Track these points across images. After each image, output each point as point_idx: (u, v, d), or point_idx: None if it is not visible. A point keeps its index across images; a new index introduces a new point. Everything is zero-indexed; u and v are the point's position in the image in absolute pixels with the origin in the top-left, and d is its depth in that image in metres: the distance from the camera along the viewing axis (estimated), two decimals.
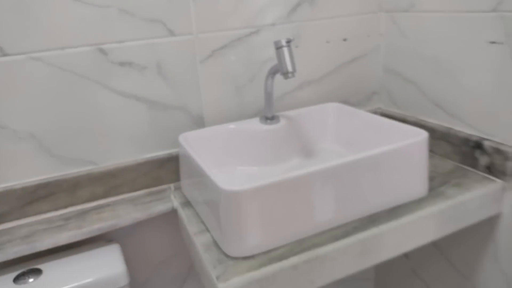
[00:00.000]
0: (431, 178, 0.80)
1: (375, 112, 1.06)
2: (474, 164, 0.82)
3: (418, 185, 0.73)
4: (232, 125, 0.85)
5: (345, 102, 1.03)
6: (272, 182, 0.60)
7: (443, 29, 0.84)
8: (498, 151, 0.76)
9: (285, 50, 0.72)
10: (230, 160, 0.84)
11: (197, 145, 0.79)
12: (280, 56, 0.73)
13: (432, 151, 0.91)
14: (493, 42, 0.74)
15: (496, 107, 0.77)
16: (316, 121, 0.93)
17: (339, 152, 0.89)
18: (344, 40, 0.97)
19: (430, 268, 1.03)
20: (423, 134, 0.71)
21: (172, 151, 0.86)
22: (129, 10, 0.76)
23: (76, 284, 0.66)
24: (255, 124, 0.87)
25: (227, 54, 0.86)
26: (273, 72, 0.79)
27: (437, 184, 0.78)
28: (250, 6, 0.85)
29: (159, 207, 0.78)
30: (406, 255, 1.11)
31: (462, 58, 0.81)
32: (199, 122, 0.88)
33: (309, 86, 0.97)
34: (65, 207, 0.78)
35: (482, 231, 0.85)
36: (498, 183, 0.77)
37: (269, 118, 0.86)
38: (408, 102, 0.98)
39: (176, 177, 0.86)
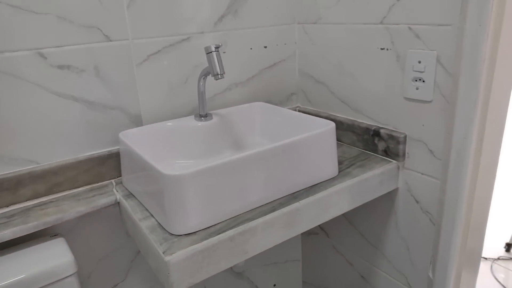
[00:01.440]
0: (340, 162, 0.96)
1: (294, 110, 1.21)
2: (374, 149, 0.99)
3: (329, 167, 0.87)
4: (169, 123, 0.93)
5: (269, 101, 1.17)
6: (209, 166, 0.69)
7: (344, 38, 1.01)
8: (391, 137, 0.94)
9: (215, 54, 0.83)
10: (169, 155, 0.92)
11: (137, 142, 0.86)
12: (210, 60, 0.83)
13: (341, 140, 1.08)
14: (382, 49, 0.92)
15: (388, 101, 0.95)
16: (244, 118, 1.05)
17: (266, 144, 1.01)
18: (265, 47, 1.11)
19: (347, 243, 1.20)
20: (331, 124, 0.86)
21: (112, 148, 0.92)
22: (67, 17, 0.81)
23: (24, 275, 0.69)
24: (190, 121, 0.96)
25: (162, 58, 0.95)
26: (204, 74, 0.89)
27: (345, 166, 0.93)
28: (180, 15, 0.95)
29: (102, 200, 0.83)
30: (327, 234, 1.27)
31: (360, 62, 0.99)
32: (137, 121, 0.95)
33: (237, 87, 1.09)
34: (8, 205, 0.80)
35: (384, 205, 1.03)
36: (393, 163, 0.95)
37: (203, 115, 0.96)
38: (320, 100, 1.14)
39: (117, 173, 0.92)
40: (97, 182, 0.90)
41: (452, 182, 0.84)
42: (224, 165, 0.71)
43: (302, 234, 1.36)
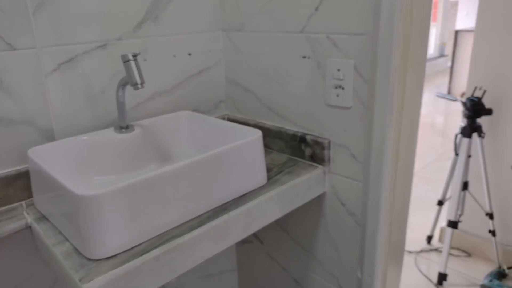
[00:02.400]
0: (269, 169, 0.96)
1: (223, 118, 1.19)
2: (301, 155, 1.01)
3: (258, 176, 0.87)
4: (85, 136, 0.87)
5: (196, 110, 1.14)
6: (128, 184, 0.65)
7: (268, 46, 1.01)
8: (317, 143, 0.96)
9: (132, 63, 0.78)
10: (87, 171, 0.85)
11: (49, 159, 0.79)
12: (128, 69, 0.79)
13: (269, 147, 1.08)
14: (304, 57, 0.94)
15: (312, 108, 0.97)
16: (170, 128, 1.01)
17: (194, 155, 0.98)
18: (189, 54, 1.08)
19: (281, 249, 1.21)
20: (258, 133, 0.85)
21: (21, 167, 0.83)
22: None
23: None
24: (109, 134, 0.90)
25: (75, 67, 0.88)
26: (123, 84, 0.84)
27: (274, 174, 0.94)
28: (95, 21, 0.89)
29: (10, 226, 0.74)
30: (261, 241, 1.26)
31: (284, 70, 1.00)
32: (49, 136, 0.86)
33: (161, 96, 1.05)
34: None
35: (314, 209, 1.05)
36: (319, 168, 0.97)
37: (124, 127, 0.90)
38: (248, 108, 1.14)
39: (28, 194, 0.83)
40: (4, 205, 0.81)
41: (373, 184, 0.88)
42: (145, 181, 0.67)
43: (236, 243, 1.35)
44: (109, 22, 0.91)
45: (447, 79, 5.22)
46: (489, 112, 1.57)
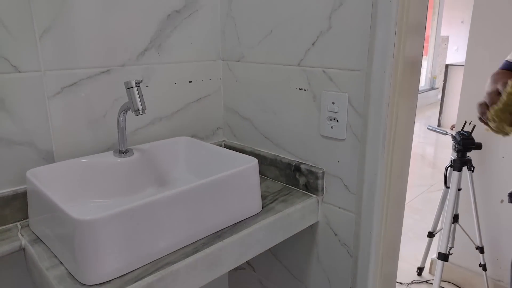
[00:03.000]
0: (264, 197, 0.97)
1: (220, 144, 1.21)
2: (296, 183, 1.03)
3: (253, 203, 0.88)
4: (84, 159, 0.88)
5: (195, 136, 1.16)
6: (124, 209, 0.66)
7: (266, 76, 1.05)
8: (311, 172, 0.98)
9: (135, 90, 0.81)
10: (84, 194, 0.86)
11: (47, 181, 0.79)
12: (130, 96, 0.81)
13: (265, 175, 1.10)
14: (300, 89, 0.97)
15: (306, 138, 0.99)
16: (168, 153, 1.02)
17: (191, 180, 0.99)
18: (190, 82, 1.11)
19: (273, 277, 1.20)
20: (254, 161, 0.87)
21: (18, 188, 0.83)
22: None
23: None
24: (108, 157, 0.91)
25: (78, 91, 0.90)
26: (124, 109, 0.86)
27: (268, 201, 0.95)
28: (100, 47, 0.92)
29: (4, 248, 0.74)
30: (253, 269, 1.26)
31: (281, 100, 1.03)
32: (49, 158, 0.88)
33: (161, 122, 1.07)
34: None
35: (307, 238, 1.06)
36: (313, 197, 0.99)
37: (123, 151, 0.92)
38: (245, 135, 1.16)
39: (23, 215, 0.83)
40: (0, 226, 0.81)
41: (366, 215, 0.90)
42: (141, 207, 0.68)
43: None
44: (114, 49, 0.94)
45: (437, 111, 5.34)
46: (479, 146, 1.61)
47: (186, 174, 1.02)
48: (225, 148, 1.00)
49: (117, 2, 0.92)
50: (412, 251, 2.20)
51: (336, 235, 0.98)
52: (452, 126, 5.02)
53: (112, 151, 0.93)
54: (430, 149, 4.52)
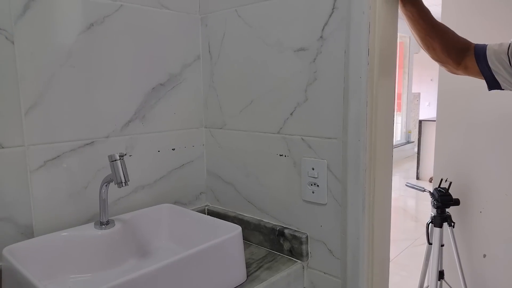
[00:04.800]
0: (249, 265, 0.96)
1: (203, 209, 1.21)
2: (280, 249, 1.02)
3: (238, 273, 0.87)
4: (64, 233, 0.86)
5: (178, 202, 1.16)
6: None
7: (248, 143, 1.08)
8: (295, 237, 0.99)
9: (119, 163, 0.82)
10: (63, 269, 0.83)
11: (25, 257, 0.77)
12: (114, 169, 0.82)
13: (249, 240, 1.10)
14: (281, 155, 1.01)
15: (289, 203, 1.01)
16: (150, 222, 1.02)
17: (173, 249, 0.98)
18: (173, 149, 1.13)
19: None
20: (238, 229, 0.88)
21: None
22: None
23: None
24: (89, 230, 0.90)
25: (61, 163, 0.91)
26: (107, 181, 0.87)
27: (253, 269, 0.94)
28: (84, 120, 0.94)
29: None
30: None
31: (262, 166, 1.06)
32: (28, 232, 0.86)
33: (143, 189, 1.07)
34: None
35: None
36: (298, 263, 0.98)
37: (104, 223, 0.91)
38: (228, 200, 1.17)
39: None
40: None
41: (351, 281, 0.89)
42: (118, 287, 0.66)
43: None
44: (99, 122, 0.97)
45: (414, 163, 5.49)
46: (456, 202, 1.65)
47: (168, 242, 1.01)
48: (208, 216, 1.00)
49: (102, 77, 0.96)
50: None
51: None
52: (430, 178, 5.14)
53: (93, 223, 0.92)
54: (411, 202, 4.58)
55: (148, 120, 1.06)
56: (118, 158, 0.82)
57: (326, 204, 0.93)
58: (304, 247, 0.97)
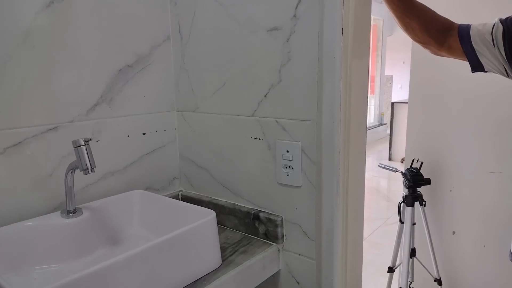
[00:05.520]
0: (224, 249, 0.95)
1: (177, 195, 1.19)
2: (255, 232, 1.02)
3: (212, 258, 0.86)
4: (28, 222, 0.82)
5: (150, 188, 1.13)
6: (68, 281, 0.60)
7: (221, 126, 1.06)
8: (270, 220, 0.98)
9: (84, 149, 0.78)
10: (29, 260, 0.79)
11: None
12: (79, 155, 0.78)
13: (224, 224, 1.08)
14: (255, 138, 0.99)
15: (264, 186, 1.00)
16: (121, 209, 0.98)
17: (146, 237, 0.95)
18: (144, 134, 1.09)
19: None
20: (211, 214, 0.86)
21: None
22: None
23: None
24: (55, 219, 0.86)
25: (23, 150, 0.86)
26: (72, 168, 0.83)
27: (228, 254, 0.93)
28: (46, 104, 0.89)
29: None
30: None
31: (237, 149, 1.04)
32: None
33: (113, 176, 1.03)
34: None
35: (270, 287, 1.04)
36: (273, 246, 0.98)
37: (71, 211, 0.87)
38: (203, 185, 1.15)
39: None
40: None
41: (326, 261, 0.90)
42: (87, 276, 0.63)
43: None
44: (62, 106, 0.91)
45: (387, 145, 5.61)
46: (428, 182, 1.69)
47: (141, 230, 0.98)
48: (181, 201, 0.98)
49: (64, 58, 0.91)
50: (375, 287, 2.21)
51: (298, 283, 0.97)
52: (402, 159, 5.27)
53: (60, 211, 0.88)
54: (384, 182, 4.69)
55: (116, 104, 1.02)
56: (82, 143, 0.78)
57: (300, 186, 0.92)
58: (279, 230, 0.97)
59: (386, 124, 7.13)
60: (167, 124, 1.15)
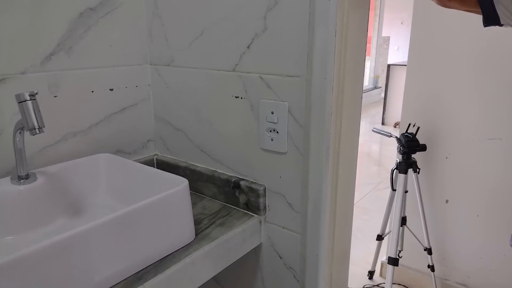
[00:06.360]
0: (199, 221, 0.85)
1: (151, 159, 1.08)
2: (236, 202, 0.92)
3: (184, 232, 0.76)
4: None
5: (121, 151, 1.01)
6: (15, 257, 0.51)
7: (199, 83, 0.93)
8: (251, 190, 0.88)
9: (29, 104, 0.66)
10: None
11: None
12: (24, 111, 0.66)
13: (202, 193, 0.98)
14: (237, 97, 0.87)
15: (246, 151, 0.89)
16: (84, 174, 0.87)
17: (112, 206, 0.85)
18: (111, 90, 0.96)
19: None
20: (184, 183, 0.75)
21: None
22: None
23: None
24: (4, 185, 0.75)
25: None
26: (20, 128, 0.71)
27: (204, 226, 0.83)
28: None
29: None
30: None
31: (216, 110, 0.92)
32: None
33: (76, 137, 0.91)
34: None
35: (250, 262, 0.96)
36: (255, 218, 0.88)
37: (23, 177, 0.76)
38: (179, 149, 1.04)
39: None
40: None
41: (311, 236, 0.81)
42: (37, 252, 0.54)
43: None
44: (10, 54, 0.78)
45: (381, 109, 5.50)
46: (423, 148, 1.60)
47: (106, 198, 0.88)
48: (151, 167, 0.86)
49: None
50: (363, 253, 2.18)
51: (281, 258, 0.89)
52: (395, 123, 5.19)
53: (10, 177, 0.76)
54: (376, 147, 4.63)
55: (76, 53, 0.88)
56: (28, 98, 0.66)
57: (286, 153, 0.82)
58: (261, 200, 0.87)
59: (380, 87, 6.99)
60: (139, 79, 1.02)
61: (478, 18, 0.81)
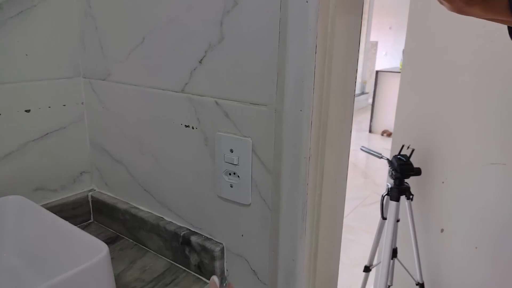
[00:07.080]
0: None
1: (86, 196, 0.85)
2: (186, 262, 0.70)
3: None
4: None
5: (42, 188, 0.79)
6: None
7: (141, 105, 0.72)
8: (205, 249, 0.67)
9: None
10: None
11: None
12: None
13: (145, 245, 0.77)
14: (187, 126, 0.66)
15: (199, 198, 0.68)
16: None
17: (16, 271, 0.63)
18: (27, 111, 0.74)
19: None
20: (103, 252, 0.53)
21: None
22: None
23: None
24: None
25: None
26: None
27: None
28: None
29: None
30: None
31: (162, 140, 0.70)
32: None
33: None
34: None
35: None
36: None
37: None
38: (119, 185, 0.82)
39: None
40: None
41: None
42: None
43: None
44: None
45: (368, 115, 5.35)
46: (418, 172, 1.41)
47: (11, 257, 0.66)
48: (68, 223, 0.63)
49: None
50: (348, 282, 1.99)
51: None
52: (383, 131, 5.04)
53: None
54: (362, 156, 4.47)
55: None
56: None
57: (249, 205, 0.61)
58: (217, 263, 0.66)
59: (368, 93, 6.86)
60: (67, 96, 0.80)
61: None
